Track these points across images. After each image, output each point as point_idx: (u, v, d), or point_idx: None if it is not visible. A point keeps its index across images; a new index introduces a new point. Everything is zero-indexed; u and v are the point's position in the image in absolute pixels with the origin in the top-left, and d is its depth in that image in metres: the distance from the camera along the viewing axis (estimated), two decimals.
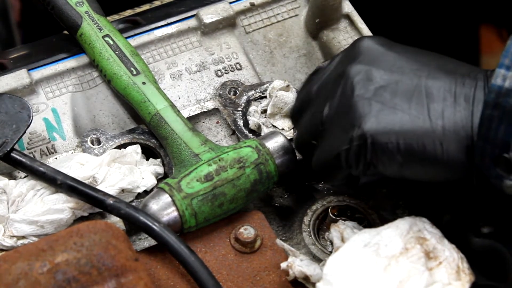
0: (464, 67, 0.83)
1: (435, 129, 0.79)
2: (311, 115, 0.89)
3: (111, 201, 0.89)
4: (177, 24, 1.10)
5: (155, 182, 0.97)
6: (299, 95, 0.95)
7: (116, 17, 1.16)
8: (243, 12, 1.13)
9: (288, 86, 1.03)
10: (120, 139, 1.01)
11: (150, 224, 0.87)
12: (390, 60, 0.84)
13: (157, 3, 1.20)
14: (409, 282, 0.78)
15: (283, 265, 0.87)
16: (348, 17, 1.13)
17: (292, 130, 1.03)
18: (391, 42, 0.87)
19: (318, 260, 0.93)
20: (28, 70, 1.03)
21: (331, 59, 0.91)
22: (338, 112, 0.84)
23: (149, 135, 1.02)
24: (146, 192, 0.96)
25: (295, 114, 0.95)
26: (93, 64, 1.05)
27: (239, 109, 1.05)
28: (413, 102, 0.80)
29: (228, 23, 1.11)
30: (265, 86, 1.06)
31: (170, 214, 0.89)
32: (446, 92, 0.80)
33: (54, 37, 1.12)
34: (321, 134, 0.86)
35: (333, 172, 0.87)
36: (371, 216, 0.97)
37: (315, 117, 0.87)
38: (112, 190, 0.93)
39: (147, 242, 0.94)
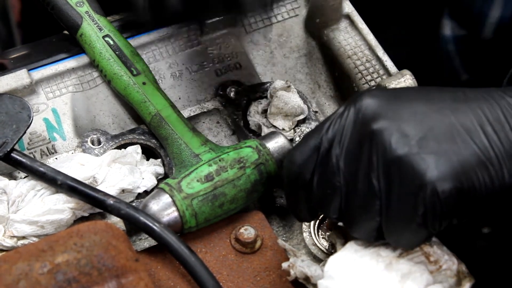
0: (471, 92, 0.80)
1: (491, 159, 0.75)
2: (350, 198, 0.79)
3: (111, 202, 0.89)
4: (177, 24, 1.10)
5: (155, 182, 0.97)
6: (292, 170, 0.83)
7: (116, 17, 1.16)
8: None
9: (289, 86, 1.03)
10: (120, 139, 1.01)
11: (151, 224, 0.86)
12: (406, 108, 0.78)
13: None
14: (410, 278, 0.79)
15: (285, 265, 0.87)
16: (348, 17, 1.13)
17: (292, 130, 1.02)
18: (382, 90, 0.81)
19: (318, 260, 0.93)
20: (28, 70, 1.03)
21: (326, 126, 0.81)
22: (390, 180, 0.76)
23: (150, 135, 1.01)
24: (146, 193, 0.96)
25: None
26: (93, 64, 1.05)
27: (239, 109, 1.05)
28: (458, 141, 0.76)
29: (229, 23, 1.11)
30: (265, 86, 1.06)
31: (170, 214, 0.89)
32: (476, 125, 0.77)
33: (54, 37, 1.12)
34: (379, 209, 0.77)
35: (419, 238, 0.78)
36: None
37: (362, 198, 0.78)
38: (112, 191, 0.93)
39: (147, 242, 0.94)
